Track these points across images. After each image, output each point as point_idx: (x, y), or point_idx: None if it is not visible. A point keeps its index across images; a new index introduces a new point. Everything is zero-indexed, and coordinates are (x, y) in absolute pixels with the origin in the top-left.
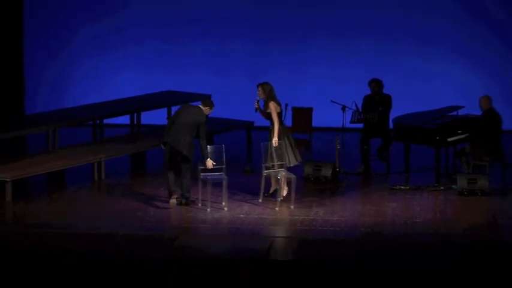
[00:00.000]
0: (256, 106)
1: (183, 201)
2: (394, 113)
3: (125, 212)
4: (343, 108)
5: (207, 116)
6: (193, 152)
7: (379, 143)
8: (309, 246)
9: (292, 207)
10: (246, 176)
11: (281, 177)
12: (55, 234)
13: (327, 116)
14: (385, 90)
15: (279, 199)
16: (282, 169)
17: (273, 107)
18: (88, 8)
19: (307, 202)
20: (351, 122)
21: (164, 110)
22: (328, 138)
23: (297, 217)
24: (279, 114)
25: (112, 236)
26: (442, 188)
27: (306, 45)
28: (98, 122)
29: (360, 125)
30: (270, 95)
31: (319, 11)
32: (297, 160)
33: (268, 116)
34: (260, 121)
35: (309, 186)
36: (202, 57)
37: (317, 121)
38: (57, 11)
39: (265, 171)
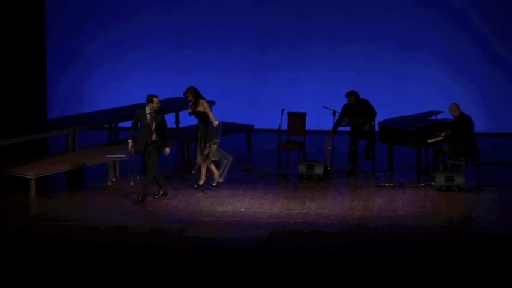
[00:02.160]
0: (190, 110)
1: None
2: (379, 117)
3: (137, 206)
4: (334, 113)
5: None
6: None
7: (366, 144)
8: (303, 237)
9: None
10: (246, 174)
11: (210, 166)
12: (74, 227)
13: (319, 120)
14: (374, 94)
15: (214, 184)
16: (208, 159)
17: (205, 104)
18: (103, 17)
19: (301, 198)
20: (331, 132)
21: (173, 115)
22: (321, 140)
23: (292, 211)
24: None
25: (125, 228)
26: (422, 184)
27: (301, 51)
28: (113, 125)
29: (347, 128)
30: (199, 96)
31: (314, 18)
32: (198, 158)
33: (200, 115)
34: (259, 124)
35: (302, 183)
36: (205, 63)
37: (310, 124)
38: (77, 18)
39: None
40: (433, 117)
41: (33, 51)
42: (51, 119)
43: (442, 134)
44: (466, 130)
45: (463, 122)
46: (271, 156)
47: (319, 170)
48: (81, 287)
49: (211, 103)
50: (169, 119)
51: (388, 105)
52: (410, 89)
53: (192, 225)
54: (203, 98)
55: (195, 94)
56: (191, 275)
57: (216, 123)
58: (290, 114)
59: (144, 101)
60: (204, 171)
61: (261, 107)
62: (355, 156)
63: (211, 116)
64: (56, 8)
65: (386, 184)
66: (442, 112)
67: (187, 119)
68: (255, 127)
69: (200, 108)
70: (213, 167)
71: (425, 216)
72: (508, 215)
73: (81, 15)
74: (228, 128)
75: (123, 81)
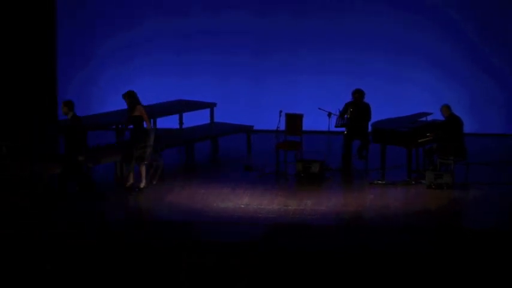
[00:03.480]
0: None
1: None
2: (373, 117)
3: (142, 202)
4: (329, 114)
5: (72, 116)
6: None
7: (359, 144)
8: (300, 231)
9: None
10: (246, 173)
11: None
12: (88, 221)
13: (316, 120)
14: (368, 96)
15: (136, 190)
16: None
17: (141, 108)
18: (112, 23)
19: (298, 195)
20: (335, 127)
21: (176, 116)
22: (317, 140)
23: (289, 207)
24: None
25: (132, 224)
26: (413, 182)
27: (298, 55)
28: (120, 126)
29: (343, 129)
30: (136, 101)
31: (311, 25)
32: (132, 163)
33: (136, 119)
34: (258, 125)
35: (300, 181)
36: (207, 67)
37: (307, 125)
38: (87, 23)
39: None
40: (424, 118)
41: (44, 54)
42: (61, 120)
43: (431, 134)
44: (456, 130)
45: (452, 122)
46: (269, 155)
47: (315, 168)
48: (81, 285)
49: (212, 105)
50: (173, 121)
51: (382, 107)
52: (402, 91)
53: (195, 221)
54: (140, 103)
55: (131, 99)
56: (191, 275)
57: (149, 126)
58: (288, 115)
59: (148, 102)
60: (143, 174)
61: (260, 109)
62: (350, 155)
63: (146, 120)
64: (67, 13)
65: (379, 182)
66: (432, 113)
67: (190, 121)
68: (254, 128)
69: (136, 113)
70: (143, 170)
71: (416, 212)
72: (494, 211)
73: (91, 20)
74: (228, 129)
75: (129, 84)
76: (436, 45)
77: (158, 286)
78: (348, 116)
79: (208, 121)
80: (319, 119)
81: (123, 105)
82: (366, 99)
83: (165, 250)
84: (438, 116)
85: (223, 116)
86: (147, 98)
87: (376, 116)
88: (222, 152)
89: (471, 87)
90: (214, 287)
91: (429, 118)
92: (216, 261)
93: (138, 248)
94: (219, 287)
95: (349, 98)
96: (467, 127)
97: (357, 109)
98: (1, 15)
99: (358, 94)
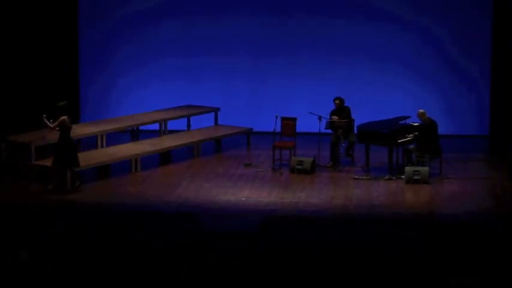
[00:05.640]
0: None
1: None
2: (358, 120)
3: (155, 196)
4: (319, 118)
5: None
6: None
7: (346, 144)
8: (295, 222)
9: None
10: (246, 170)
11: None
12: (104, 211)
13: (308, 123)
14: (354, 100)
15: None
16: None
17: (61, 118)
18: (128, 32)
19: (292, 189)
20: (325, 128)
21: (184, 120)
22: (309, 141)
23: (285, 200)
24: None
25: (145, 214)
26: (393, 178)
27: (293, 65)
28: (135, 128)
29: (331, 131)
30: (60, 112)
31: (304, 35)
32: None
33: (63, 128)
34: (257, 127)
35: (293, 177)
36: (212, 75)
37: (300, 127)
38: (105, 33)
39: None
40: (403, 121)
41: (67, 62)
42: (83, 123)
43: (410, 135)
44: (431, 132)
45: (428, 125)
46: (267, 154)
47: (307, 165)
48: (81, 285)
49: (216, 109)
50: (181, 124)
51: (366, 111)
52: (384, 96)
53: (201, 212)
54: (62, 114)
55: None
56: (191, 275)
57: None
58: (283, 118)
59: (159, 107)
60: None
61: (258, 113)
62: (338, 154)
63: (53, 126)
64: (88, 24)
65: (364, 177)
66: (410, 117)
67: (197, 123)
68: (253, 130)
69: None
70: (68, 174)
71: (396, 204)
72: (466, 203)
73: (109, 30)
74: (230, 131)
75: (144, 89)
76: (415, 53)
77: (158, 286)
78: (332, 119)
79: (212, 124)
80: (311, 121)
81: (138, 108)
82: (352, 104)
83: (165, 250)
84: (416, 119)
85: (226, 119)
86: (159, 103)
87: (361, 119)
88: (225, 151)
89: (447, 93)
90: (214, 287)
91: (408, 121)
92: (216, 261)
93: (138, 248)
94: (219, 287)
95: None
96: (444, 129)
97: (340, 114)
98: (32, 28)
99: (339, 101)
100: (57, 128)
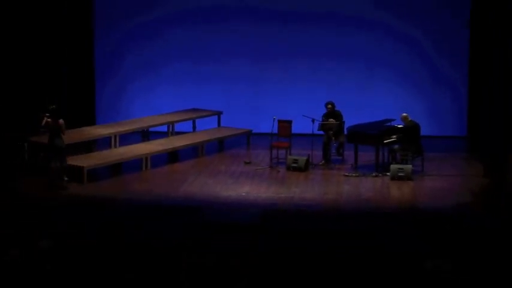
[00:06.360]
0: (44, 122)
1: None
2: (348, 122)
3: (163, 190)
4: (313, 120)
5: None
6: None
7: (337, 144)
8: (291, 214)
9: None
10: (246, 167)
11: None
12: (117, 205)
13: (303, 125)
14: (345, 103)
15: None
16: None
17: (62, 122)
18: (139, 39)
19: (288, 185)
20: (318, 130)
21: (190, 122)
22: (304, 141)
23: (282, 195)
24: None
25: (155, 207)
26: (380, 175)
27: (289, 72)
28: (145, 129)
29: (323, 132)
30: (58, 115)
31: (300, 44)
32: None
33: (56, 130)
34: (256, 129)
35: (289, 174)
36: (214, 80)
37: (295, 129)
38: (119, 41)
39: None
40: (388, 124)
41: (84, 68)
42: (98, 125)
43: (394, 136)
44: (414, 133)
45: (411, 127)
46: (265, 153)
47: (301, 163)
48: (81, 285)
49: (219, 113)
50: (188, 126)
51: (355, 113)
52: (373, 100)
53: (205, 206)
54: (56, 117)
55: (57, 112)
56: (191, 275)
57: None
58: (280, 121)
59: (167, 110)
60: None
61: (257, 116)
62: (329, 153)
63: (63, 134)
64: (104, 35)
65: (353, 174)
66: (395, 119)
67: (201, 125)
68: (253, 131)
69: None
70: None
71: (382, 199)
72: (445, 197)
73: (121, 39)
74: (232, 132)
75: (152, 94)
76: (401, 60)
77: (158, 286)
78: (329, 121)
79: (216, 125)
80: (305, 124)
81: (147, 111)
82: (341, 107)
83: (165, 250)
84: (400, 121)
85: (228, 121)
86: (167, 106)
87: (351, 121)
88: (227, 150)
89: (429, 97)
90: (214, 287)
91: (393, 123)
92: (216, 261)
93: (138, 248)
94: (219, 287)
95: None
96: (426, 130)
97: (331, 117)
98: (51, 38)
99: (331, 105)
100: (45, 129)
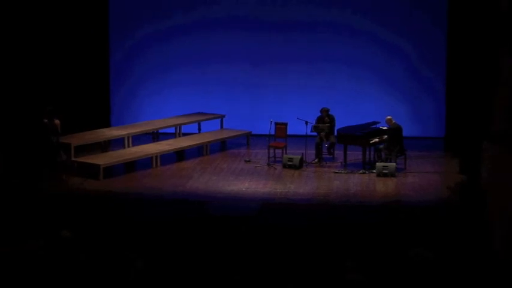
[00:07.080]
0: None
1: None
2: (338, 124)
3: (172, 186)
4: (306, 123)
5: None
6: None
7: (328, 144)
8: (286, 207)
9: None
10: (246, 165)
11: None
12: (131, 200)
13: (297, 127)
14: (335, 107)
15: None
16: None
17: (58, 122)
18: (147, 49)
19: (284, 181)
20: (311, 131)
21: (196, 124)
22: (298, 142)
23: (278, 190)
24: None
25: (164, 202)
26: (366, 172)
27: (284, 78)
28: (155, 131)
29: (316, 134)
30: (55, 116)
31: (295, 53)
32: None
33: (56, 129)
34: (255, 130)
35: (285, 171)
36: (217, 86)
37: (290, 130)
38: (131, 48)
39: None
40: (374, 126)
41: (100, 74)
42: (113, 127)
43: (380, 137)
44: (397, 135)
45: (395, 129)
46: (263, 152)
47: (296, 162)
48: (81, 286)
49: (222, 116)
50: (193, 128)
51: (345, 116)
52: (361, 103)
53: (209, 200)
54: (53, 117)
55: (55, 114)
56: (189, 272)
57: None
58: (276, 123)
59: (174, 114)
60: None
61: (256, 119)
62: (321, 152)
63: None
64: (120, 44)
65: (342, 171)
66: (380, 122)
67: (206, 127)
68: (252, 133)
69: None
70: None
71: (368, 194)
72: (425, 192)
73: (135, 48)
74: (233, 133)
75: (161, 98)
76: (386, 66)
77: (163, 273)
78: (318, 124)
79: (219, 127)
80: (299, 126)
81: (156, 115)
82: (332, 110)
83: (170, 240)
84: (385, 123)
85: (230, 124)
86: (176, 109)
87: (341, 123)
88: (229, 149)
89: (411, 101)
90: (211, 281)
91: (378, 125)
92: (214, 254)
93: (139, 248)
94: (216, 280)
95: (321, 107)
96: (408, 131)
97: (324, 122)
98: (72, 49)
99: (325, 111)
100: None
